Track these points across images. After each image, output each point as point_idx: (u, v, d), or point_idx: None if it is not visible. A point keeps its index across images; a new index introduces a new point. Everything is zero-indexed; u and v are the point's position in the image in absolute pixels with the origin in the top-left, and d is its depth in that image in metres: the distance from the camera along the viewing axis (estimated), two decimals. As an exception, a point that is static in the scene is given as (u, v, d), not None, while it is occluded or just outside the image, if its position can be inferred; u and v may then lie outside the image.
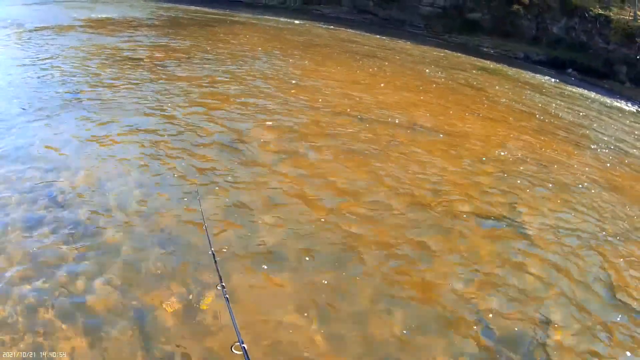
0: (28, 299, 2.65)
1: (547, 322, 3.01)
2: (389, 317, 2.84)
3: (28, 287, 2.74)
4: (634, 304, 3.35)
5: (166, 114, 6.21)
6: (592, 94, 10.98)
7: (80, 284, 2.87)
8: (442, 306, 2.97)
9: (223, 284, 2.41)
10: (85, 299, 2.72)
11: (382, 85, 8.74)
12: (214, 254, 2.64)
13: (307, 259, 3.21)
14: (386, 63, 10.71)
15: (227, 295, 2.32)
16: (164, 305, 2.72)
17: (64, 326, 2.54)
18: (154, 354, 2.46)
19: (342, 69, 9.74)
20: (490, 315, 2.96)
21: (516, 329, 2.92)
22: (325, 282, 3.01)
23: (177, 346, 2.51)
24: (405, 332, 2.74)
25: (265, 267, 3.07)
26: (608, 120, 9.11)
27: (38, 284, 2.78)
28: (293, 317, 2.75)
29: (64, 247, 3.20)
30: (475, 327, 2.85)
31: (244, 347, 2.01)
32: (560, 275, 3.52)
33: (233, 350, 2.05)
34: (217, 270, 2.52)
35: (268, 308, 2.81)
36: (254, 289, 2.91)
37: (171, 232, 3.42)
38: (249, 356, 1.97)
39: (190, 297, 2.79)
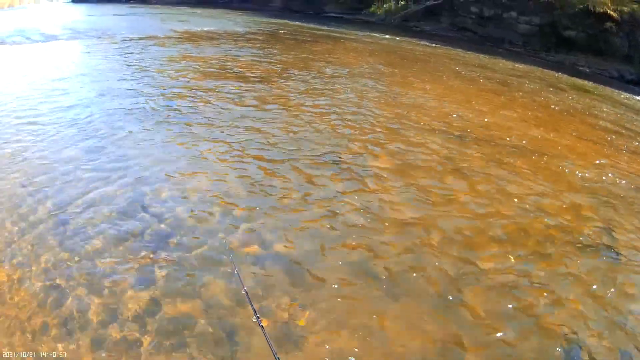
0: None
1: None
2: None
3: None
4: None
5: (266, 130, 6.23)
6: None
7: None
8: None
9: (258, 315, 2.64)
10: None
11: (480, 102, 9.18)
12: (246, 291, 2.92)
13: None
14: (485, 81, 11.63)
15: (262, 325, 2.59)
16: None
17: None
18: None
19: (442, 86, 10.22)
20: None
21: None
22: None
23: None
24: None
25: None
26: None
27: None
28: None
29: (153, 255, 3.52)
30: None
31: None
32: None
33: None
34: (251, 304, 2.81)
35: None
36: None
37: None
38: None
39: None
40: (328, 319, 3.08)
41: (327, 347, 2.87)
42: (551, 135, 7.58)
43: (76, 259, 3.46)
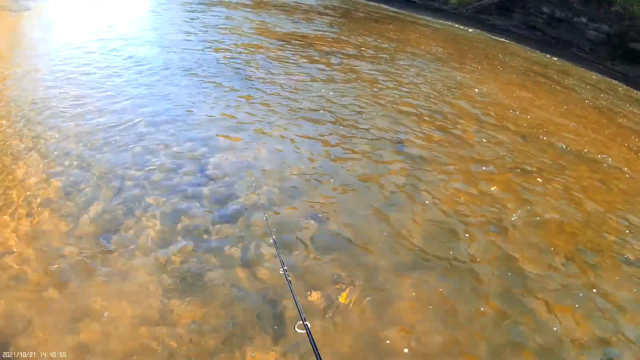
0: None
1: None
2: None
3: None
4: None
5: (331, 104, 6.62)
6: None
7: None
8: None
9: (286, 269, 2.68)
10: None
11: (523, 92, 9.71)
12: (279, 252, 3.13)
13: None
14: (536, 76, 12.08)
15: (289, 278, 2.56)
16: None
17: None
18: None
19: (493, 74, 10.82)
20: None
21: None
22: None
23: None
24: None
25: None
26: None
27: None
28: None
29: (206, 216, 3.98)
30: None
31: (306, 325, 2.13)
32: None
33: (296, 329, 2.17)
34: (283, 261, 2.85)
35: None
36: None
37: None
38: (311, 334, 2.07)
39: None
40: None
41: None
42: (571, 123, 8.42)
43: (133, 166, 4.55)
